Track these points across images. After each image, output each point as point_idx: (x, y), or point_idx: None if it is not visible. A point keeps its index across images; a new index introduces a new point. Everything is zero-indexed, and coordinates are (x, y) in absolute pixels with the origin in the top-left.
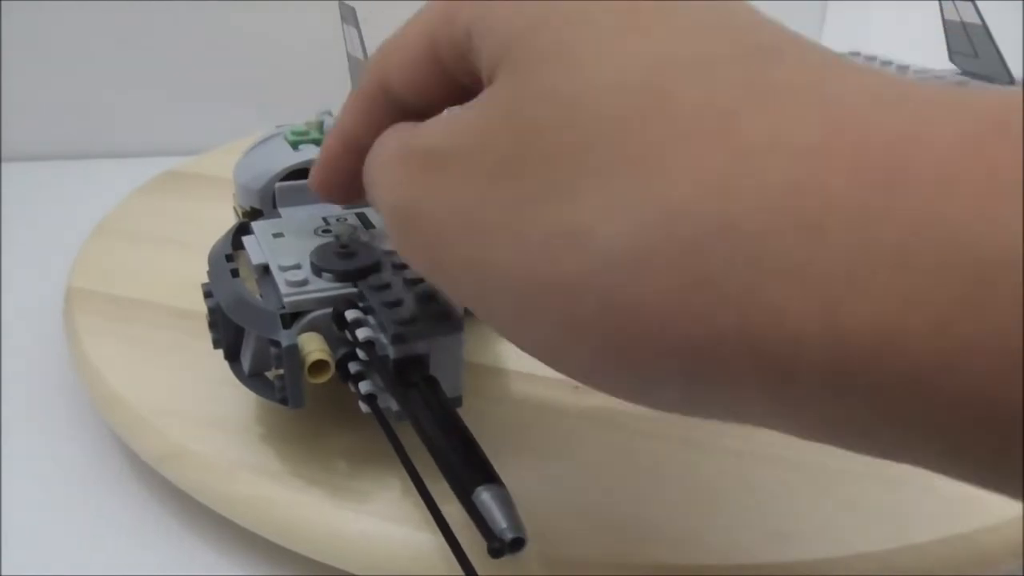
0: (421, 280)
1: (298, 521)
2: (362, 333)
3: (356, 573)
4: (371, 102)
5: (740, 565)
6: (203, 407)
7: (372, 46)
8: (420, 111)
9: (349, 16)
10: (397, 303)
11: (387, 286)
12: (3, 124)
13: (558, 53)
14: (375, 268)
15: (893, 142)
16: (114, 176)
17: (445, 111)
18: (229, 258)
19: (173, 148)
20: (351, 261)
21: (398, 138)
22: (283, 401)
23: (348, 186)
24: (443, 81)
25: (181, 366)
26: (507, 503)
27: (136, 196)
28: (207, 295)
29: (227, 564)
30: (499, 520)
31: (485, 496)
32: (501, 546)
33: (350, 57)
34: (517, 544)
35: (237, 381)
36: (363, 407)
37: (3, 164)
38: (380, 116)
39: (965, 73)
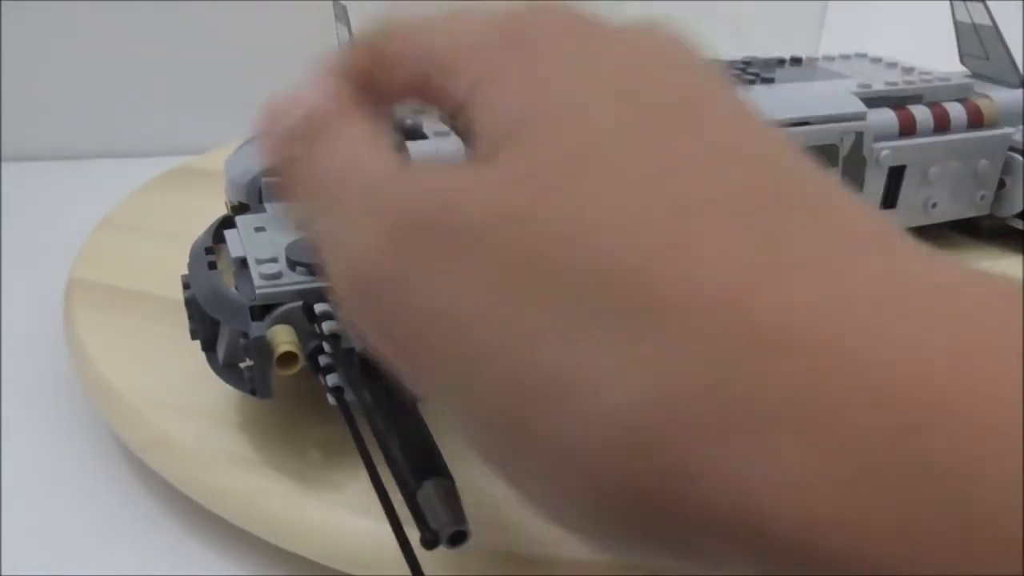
0: None
1: (266, 509)
2: (328, 326)
3: (319, 561)
4: (346, 84)
5: None
6: (188, 397)
7: None
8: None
9: (341, 15)
10: None
11: None
12: (3, 124)
13: (569, 172)
14: None
15: (904, 349)
16: (115, 176)
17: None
18: (209, 251)
19: (174, 148)
20: None
21: (366, 170)
22: (252, 392)
23: None
24: (426, 101)
25: (171, 357)
26: (451, 496)
27: (143, 190)
28: (186, 286)
29: (212, 554)
30: (440, 513)
31: (428, 488)
32: (434, 537)
33: None
34: (458, 537)
35: None
36: (330, 399)
37: (3, 164)
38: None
39: (975, 75)
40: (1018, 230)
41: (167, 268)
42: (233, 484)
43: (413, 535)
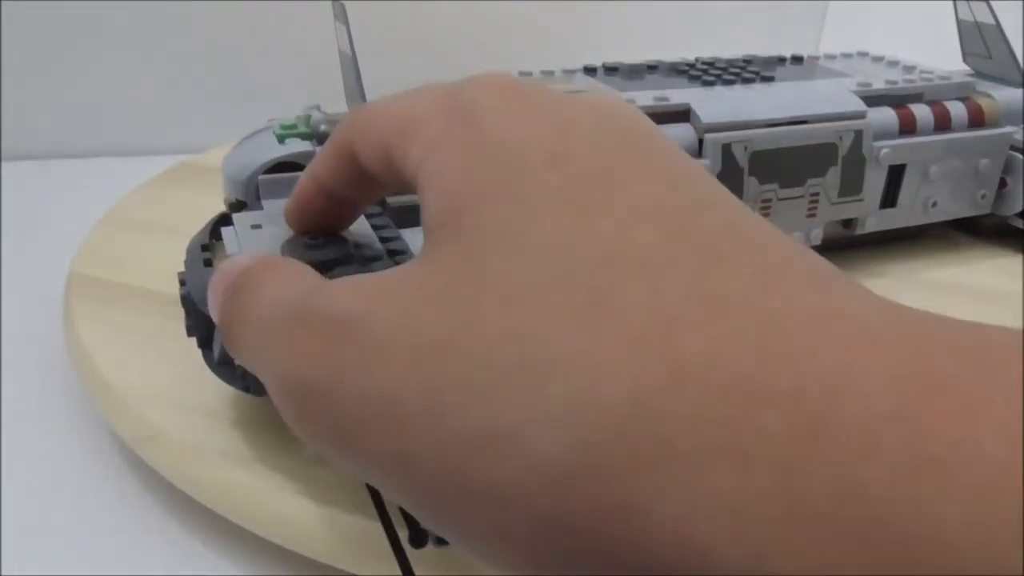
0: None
1: (261, 505)
2: None
3: (314, 558)
4: (340, 157)
5: None
6: (182, 392)
7: (362, 43)
8: (380, 183)
9: (340, 14)
10: None
11: None
12: (4, 122)
13: (503, 237)
14: (344, 260)
15: (823, 379)
16: (115, 174)
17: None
18: (204, 248)
19: (174, 147)
20: (320, 252)
21: (295, 285)
22: (247, 389)
23: (319, 222)
24: (398, 180)
25: (167, 352)
26: None
27: (145, 187)
28: (182, 283)
29: (211, 553)
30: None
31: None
32: (422, 536)
33: (341, 54)
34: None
35: None
36: None
37: (4, 163)
38: (347, 172)
39: (978, 74)
40: (1019, 229)
41: (166, 264)
42: (227, 480)
43: (402, 533)
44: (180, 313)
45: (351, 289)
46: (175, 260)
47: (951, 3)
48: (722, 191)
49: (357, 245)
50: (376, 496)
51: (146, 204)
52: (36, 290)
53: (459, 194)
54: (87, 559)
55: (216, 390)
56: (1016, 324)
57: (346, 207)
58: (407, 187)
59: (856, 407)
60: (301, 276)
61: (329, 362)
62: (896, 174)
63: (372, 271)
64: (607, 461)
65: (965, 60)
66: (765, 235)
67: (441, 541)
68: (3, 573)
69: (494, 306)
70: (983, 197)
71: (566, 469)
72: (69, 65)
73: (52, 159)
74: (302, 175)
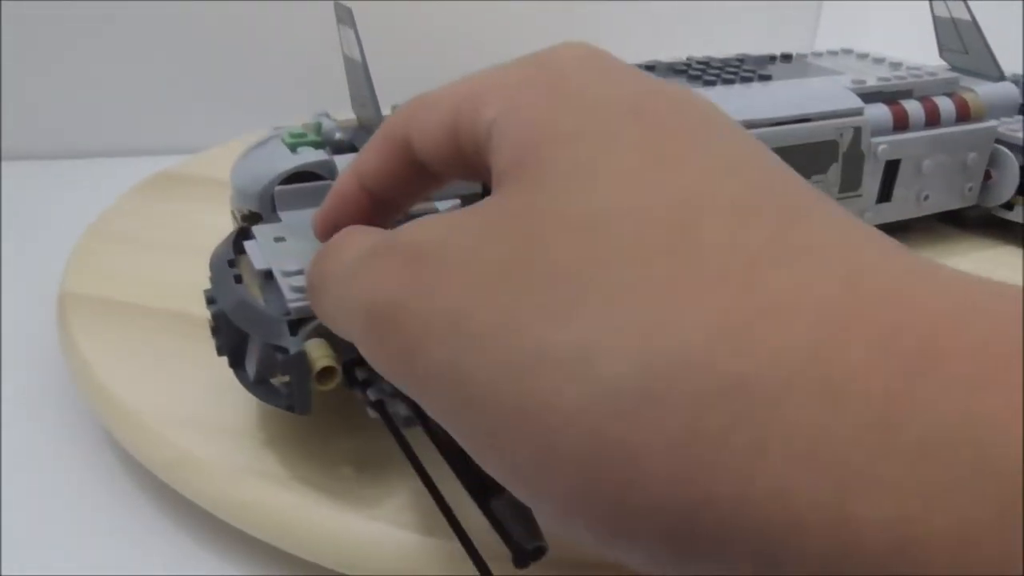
0: None
1: (307, 527)
2: None
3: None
4: (392, 150)
5: None
6: (206, 413)
7: (369, 47)
8: (433, 175)
9: (345, 17)
10: None
11: None
12: (4, 122)
13: (584, 171)
14: None
15: (925, 322)
16: (113, 175)
17: (444, 205)
18: (231, 263)
19: (172, 147)
20: None
21: (364, 239)
22: (290, 408)
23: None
24: (458, 158)
25: (182, 371)
26: (526, 511)
27: (126, 198)
28: (210, 301)
29: (203, 549)
30: (519, 529)
31: (504, 504)
32: (525, 555)
33: (346, 59)
34: (538, 552)
35: (238, 386)
36: (371, 413)
37: (4, 163)
38: (399, 165)
39: (955, 69)
40: (1003, 220)
41: (158, 279)
42: (265, 501)
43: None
44: (187, 329)
45: (424, 224)
46: (170, 274)
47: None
48: (778, 160)
49: None
50: (452, 518)
51: (126, 217)
52: (35, 290)
53: (536, 137)
54: (84, 560)
55: (241, 409)
56: None
57: (388, 209)
58: (470, 164)
59: (965, 344)
60: (376, 232)
61: (401, 284)
62: (891, 169)
63: None
64: (677, 388)
65: (941, 55)
66: (837, 205)
67: (536, 555)
68: (3, 574)
69: (569, 233)
70: (970, 189)
71: (632, 393)
72: (69, 65)
73: (52, 159)
74: (342, 174)
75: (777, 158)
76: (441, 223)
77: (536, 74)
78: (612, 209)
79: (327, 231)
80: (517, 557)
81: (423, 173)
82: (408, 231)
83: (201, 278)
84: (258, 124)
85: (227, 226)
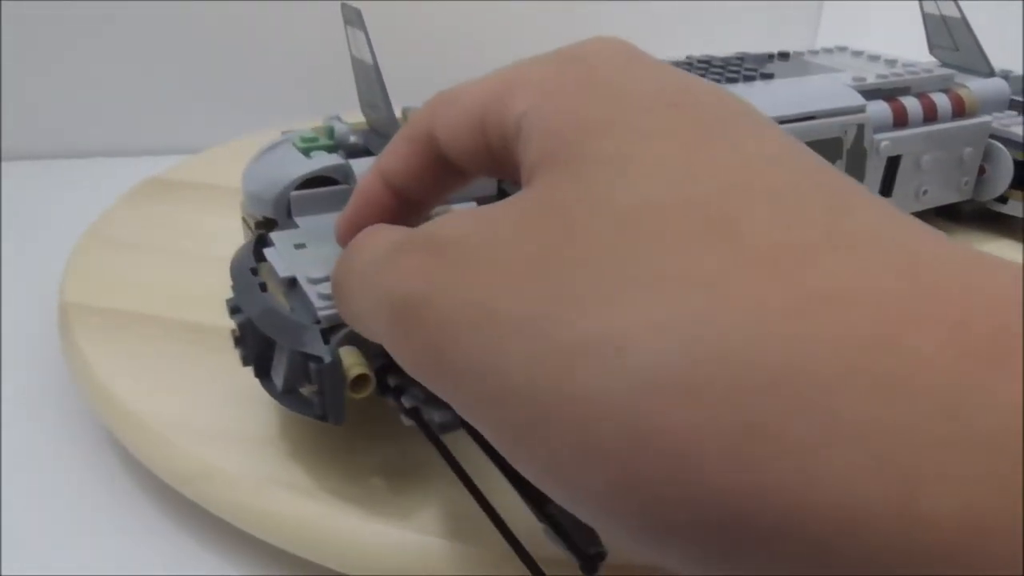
0: None
1: (340, 538)
2: None
3: None
4: (416, 147)
5: None
6: (223, 424)
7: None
8: (459, 172)
9: (354, 19)
10: None
11: None
12: (4, 122)
13: (620, 161)
14: None
15: (993, 311)
16: (112, 175)
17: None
18: (254, 271)
19: (171, 147)
20: None
21: (398, 232)
22: (322, 417)
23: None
24: (485, 154)
25: (194, 382)
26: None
27: (121, 204)
28: (234, 311)
29: (205, 550)
30: (577, 535)
31: (559, 511)
32: (592, 562)
33: (355, 61)
34: (600, 557)
35: (255, 396)
36: (405, 421)
37: (4, 162)
38: (424, 163)
39: (945, 65)
40: (996, 212)
41: (159, 287)
42: (293, 513)
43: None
44: (195, 338)
45: (450, 219)
46: (172, 281)
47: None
48: (815, 155)
49: None
50: (502, 524)
51: (125, 222)
52: (35, 292)
53: (569, 127)
54: (87, 562)
55: (259, 418)
56: None
57: (412, 209)
58: (498, 160)
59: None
60: (401, 228)
61: (427, 278)
62: (892, 165)
63: None
64: (724, 373)
65: (932, 52)
66: (879, 198)
67: (601, 556)
68: (4, 573)
69: (606, 223)
70: (966, 184)
71: (675, 377)
72: (69, 65)
73: (52, 159)
74: (366, 174)
75: (814, 152)
76: (467, 218)
77: (567, 67)
78: (651, 198)
79: (351, 233)
80: (585, 563)
81: (449, 170)
82: (433, 225)
83: (204, 285)
84: (257, 125)
85: (228, 230)
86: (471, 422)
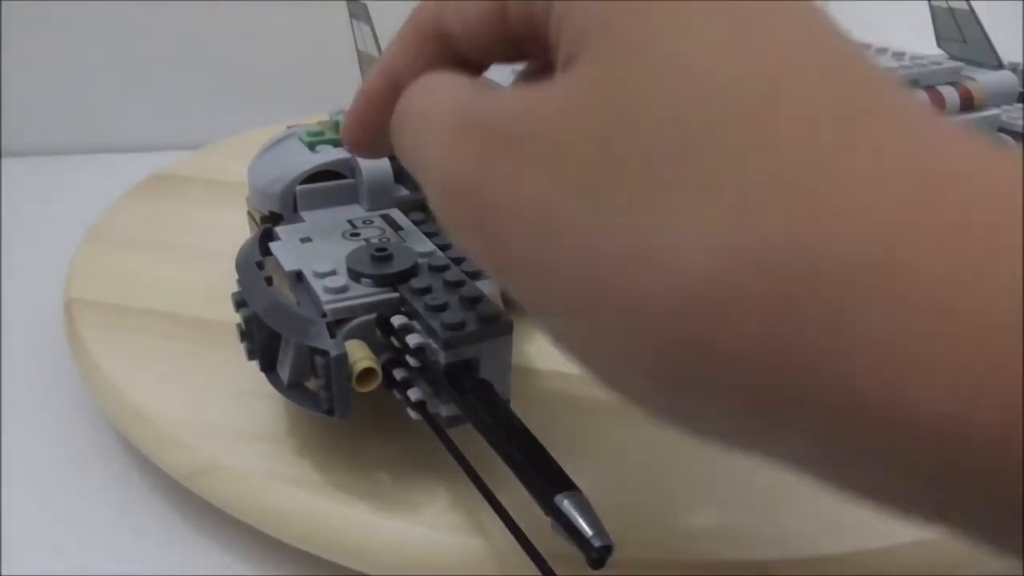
0: (462, 282)
1: (345, 533)
2: (413, 339)
3: None
4: (422, 40)
5: (798, 558)
6: (230, 419)
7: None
8: (474, 62)
9: (360, 13)
10: (443, 307)
11: (428, 289)
12: (5, 119)
13: (660, 45)
14: (413, 271)
15: (991, 211)
16: (115, 170)
17: (511, 85)
18: (260, 265)
19: (173, 143)
20: (389, 265)
21: (453, 97)
22: (328, 412)
23: (383, 133)
24: (507, 41)
25: (200, 377)
26: (589, 510)
27: (125, 200)
28: (240, 304)
29: (220, 547)
30: (586, 528)
31: (567, 504)
32: (599, 555)
33: (361, 55)
34: (607, 551)
35: (261, 391)
36: (412, 414)
37: (4, 159)
38: (431, 58)
39: (953, 58)
40: None
41: (167, 282)
42: (301, 508)
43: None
44: (200, 334)
45: (507, 102)
46: (175, 277)
47: None
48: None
49: (423, 254)
50: (509, 519)
51: (126, 219)
52: (38, 288)
53: (602, 15)
54: (91, 554)
55: (265, 414)
56: None
57: None
58: (521, 47)
59: None
60: (465, 90)
61: (486, 168)
62: None
63: (445, 279)
64: (763, 271)
65: (939, 45)
66: (902, 87)
67: (608, 550)
68: (9, 564)
69: (654, 116)
70: None
71: (717, 276)
72: (71, 61)
73: (54, 155)
74: (368, 78)
75: (844, 32)
76: (519, 106)
77: None
78: (698, 85)
79: (356, 134)
80: (592, 557)
81: (461, 63)
82: (485, 108)
83: (208, 280)
84: (259, 121)
85: (229, 225)
86: (513, 295)
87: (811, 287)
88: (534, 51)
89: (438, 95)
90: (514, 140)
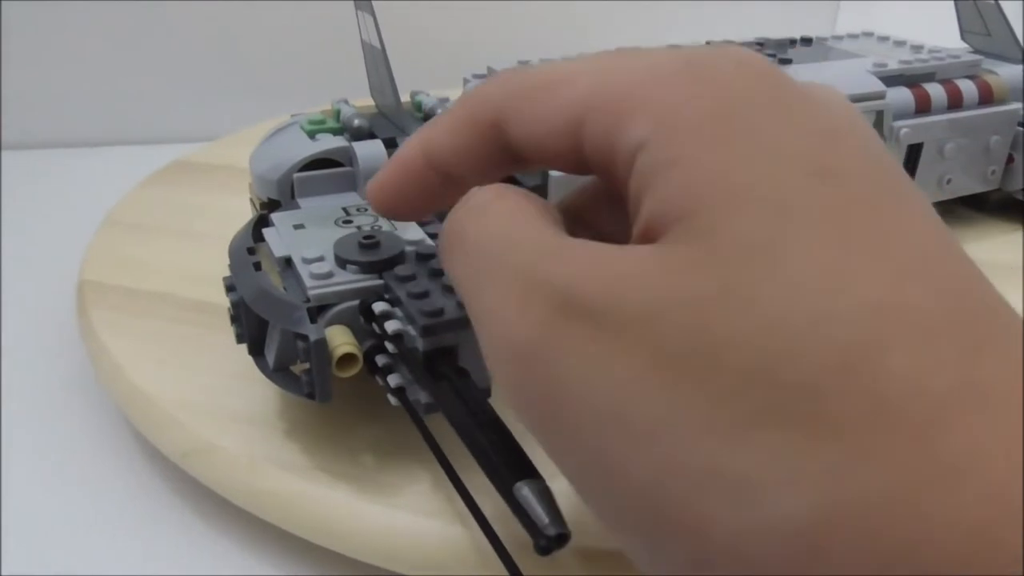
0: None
1: (328, 516)
2: (391, 326)
3: (387, 568)
4: (476, 131)
5: None
6: (226, 402)
7: (386, 33)
8: (524, 161)
9: (364, 4)
10: (424, 294)
11: (412, 277)
12: (8, 111)
13: (767, 250)
14: (399, 259)
15: None
16: (121, 164)
17: (582, 241)
18: (251, 251)
19: (183, 135)
20: (375, 252)
21: (513, 237)
22: (310, 395)
23: (414, 203)
24: (573, 158)
25: (201, 360)
26: (548, 498)
27: (144, 186)
28: (230, 289)
29: (251, 560)
30: (542, 516)
31: (526, 492)
32: (548, 543)
33: (365, 45)
34: (561, 540)
35: (259, 375)
36: (392, 400)
37: (7, 152)
38: (482, 148)
39: (977, 52)
40: (1022, 203)
41: (179, 267)
42: (286, 490)
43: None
44: (205, 318)
45: (586, 265)
46: (187, 262)
47: None
48: (963, 251)
49: (411, 242)
50: (474, 507)
51: (146, 205)
52: (55, 278)
53: (706, 190)
54: (104, 545)
55: (260, 397)
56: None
57: (456, 187)
58: (587, 168)
59: None
60: (528, 220)
61: (561, 339)
62: (913, 153)
63: (430, 267)
64: (850, 542)
65: (963, 38)
66: (1007, 306)
67: (559, 542)
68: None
69: (747, 332)
70: (992, 173)
71: (802, 536)
72: (87, 55)
73: (70, 148)
74: (405, 149)
75: (959, 246)
76: (604, 273)
77: (699, 90)
78: (793, 314)
79: (385, 203)
80: (540, 544)
81: (513, 159)
82: (567, 272)
83: (220, 266)
84: (275, 112)
85: (246, 214)
86: (562, 471)
87: (902, 564)
88: (598, 173)
89: (494, 225)
90: (593, 310)
